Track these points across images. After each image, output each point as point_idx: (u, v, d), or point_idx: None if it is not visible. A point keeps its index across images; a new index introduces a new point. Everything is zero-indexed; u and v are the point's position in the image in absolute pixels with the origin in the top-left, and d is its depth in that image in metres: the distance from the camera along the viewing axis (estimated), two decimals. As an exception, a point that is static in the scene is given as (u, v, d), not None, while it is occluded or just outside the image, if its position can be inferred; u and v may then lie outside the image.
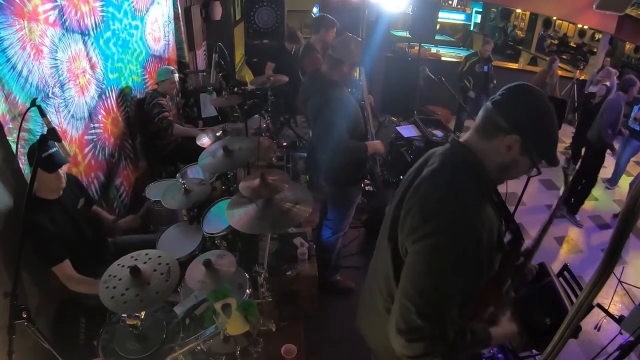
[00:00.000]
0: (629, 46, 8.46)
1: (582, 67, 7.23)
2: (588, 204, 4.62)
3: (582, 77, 5.72)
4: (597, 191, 4.87)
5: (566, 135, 6.35)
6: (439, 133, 3.84)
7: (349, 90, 2.68)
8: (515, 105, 1.05)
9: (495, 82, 5.83)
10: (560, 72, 6.28)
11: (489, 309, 1.19)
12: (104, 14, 2.79)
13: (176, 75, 3.42)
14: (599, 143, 4.27)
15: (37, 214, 1.80)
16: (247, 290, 1.94)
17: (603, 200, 4.94)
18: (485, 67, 5.72)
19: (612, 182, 5.18)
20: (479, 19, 11.33)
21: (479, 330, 1.10)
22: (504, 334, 1.19)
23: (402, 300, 1.02)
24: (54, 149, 1.74)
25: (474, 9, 11.18)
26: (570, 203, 4.46)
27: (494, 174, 1.10)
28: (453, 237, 0.99)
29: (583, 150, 4.65)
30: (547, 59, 6.42)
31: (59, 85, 2.23)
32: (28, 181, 1.73)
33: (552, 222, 1.34)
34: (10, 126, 1.84)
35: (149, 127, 3.32)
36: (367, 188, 3.73)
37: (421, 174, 1.15)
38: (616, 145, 4.47)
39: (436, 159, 1.16)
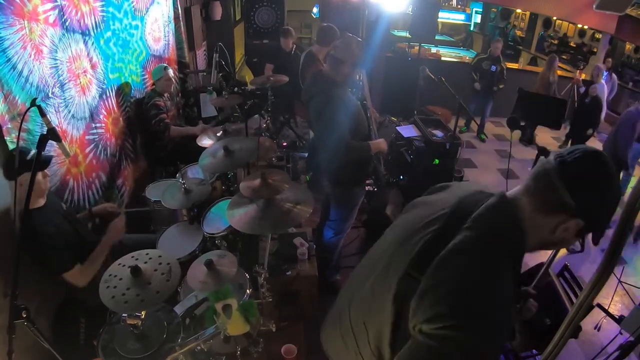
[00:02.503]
0: (629, 46, 8.46)
1: (582, 67, 7.23)
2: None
3: (583, 77, 5.72)
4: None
5: (564, 133, 6.36)
6: (439, 133, 3.83)
7: (350, 90, 2.68)
8: (592, 184, 0.87)
9: (501, 86, 5.79)
10: (560, 72, 6.28)
11: None
12: (104, 14, 2.79)
13: (170, 71, 3.39)
14: (615, 157, 4.17)
15: (36, 224, 1.76)
16: (248, 291, 1.95)
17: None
18: (494, 67, 5.71)
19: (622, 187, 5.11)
20: (479, 19, 11.31)
21: None
22: None
23: None
24: (34, 151, 1.72)
25: (474, 9, 11.17)
26: None
27: (532, 247, 0.95)
28: (481, 342, 0.84)
29: None
30: (547, 58, 6.42)
31: (59, 85, 2.23)
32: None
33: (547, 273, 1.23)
34: (9, 126, 1.83)
35: (148, 128, 3.32)
36: (367, 188, 3.73)
37: (454, 230, 0.95)
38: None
39: (478, 223, 0.94)
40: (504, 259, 0.91)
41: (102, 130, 2.76)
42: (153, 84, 3.41)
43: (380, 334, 1.02)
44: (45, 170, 1.82)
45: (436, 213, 1.03)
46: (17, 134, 1.65)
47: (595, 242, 0.92)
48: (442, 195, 1.13)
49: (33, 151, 1.72)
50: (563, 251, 3.92)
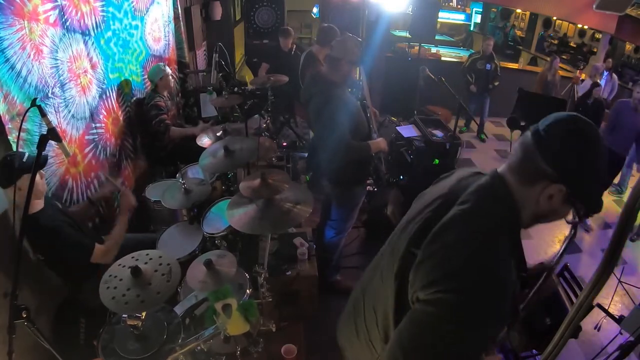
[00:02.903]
0: (629, 46, 8.45)
1: (582, 67, 7.22)
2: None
3: (583, 77, 5.71)
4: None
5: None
6: (439, 133, 3.83)
7: (350, 90, 2.68)
8: (565, 147, 0.88)
9: (496, 83, 5.79)
10: (560, 72, 6.27)
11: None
12: (104, 14, 2.79)
13: (168, 69, 3.39)
14: (612, 154, 4.15)
15: (47, 221, 1.79)
16: (248, 291, 1.95)
17: (603, 200, 4.93)
18: (488, 66, 5.70)
19: (621, 188, 5.03)
20: (479, 19, 11.32)
21: None
22: None
23: (395, 351, 0.92)
24: (27, 154, 1.74)
25: (474, 9, 11.17)
26: None
27: (526, 222, 0.97)
28: (475, 304, 0.85)
29: None
30: (548, 59, 6.41)
31: (59, 85, 2.23)
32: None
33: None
34: (10, 126, 1.84)
35: (148, 128, 3.32)
36: (368, 188, 3.73)
37: (449, 207, 0.98)
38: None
39: (471, 197, 0.98)
40: (497, 230, 0.92)
41: (102, 130, 2.76)
42: (155, 86, 3.37)
43: (387, 315, 1.06)
44: (42, 171, 1.82)
45: (435, 195, 1.08)
46: (17, 134, 1.66)
47: (594, 210, 0.93)
48: (445, 182, 1.17)
49: (27, 154, 1.73)
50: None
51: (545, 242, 3.94)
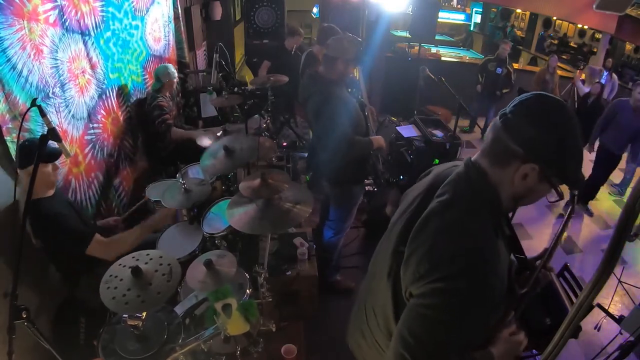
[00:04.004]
0: (629, 46, 8.46)
1: (582, 67, 7.22)
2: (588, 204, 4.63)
3: (582, 77, 5.72)
4: (598, 192, 4.88)
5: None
6: (439, 133, 3.83)
7: (349, 90, 2.68)
8: (531, 126, 0.87)
9: (505, 91, 5.66)
10: (560, 72, 6.28)
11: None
12: (104, 14, 2.79)
13: (176, 73, 3.41)
14: (609, 153, 4.20)
15: (48, 208, 1.82)
16: (248, 291, 1.94)
17: (603, 200, 4.94)
18: (499, 69, 5.60)
19: (622, 189, 5.02)
20: (479, 19, 11.33)
21: (482, 357, 1.00)
22: (508, 349, 1.06)
23: (399, 350, 0.91)
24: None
25: (474, 9, 11.18)
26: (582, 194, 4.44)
27: (507, 204, 0.96)
28: (466, 288, 0.85)
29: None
30: (547, 58, 6.41)
31: (59, 85, 2.23)
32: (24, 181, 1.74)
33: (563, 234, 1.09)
34: (10, 126, 1.84)
35: (149, 128, 3.32)
36: (367, 188, 3.73)
37: (429, 202, 1.00)
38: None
39: (448, 188, 0.99)
40: (476, 214, 0.93)
41: (100, 131, 2.75)
42: (160, 85, 3.36)
43: (387, 316, 1.07)
44: (56, 163, 1.86)
45: (416, 193, 1.11)
46: (17, 133, 1.66)
47: (574, 185, 0.92)
48: (424, 179, 1.20)
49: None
50: (564, 250, 3.94)
51: (545, 241, 3.94)
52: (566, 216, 0.96)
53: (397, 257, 1.00)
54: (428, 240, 0.92)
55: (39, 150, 1.44)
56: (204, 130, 3.55)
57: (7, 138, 1.83)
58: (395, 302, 1.03)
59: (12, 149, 1.84)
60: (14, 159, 1.84)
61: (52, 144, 1.74)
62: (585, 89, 5.18)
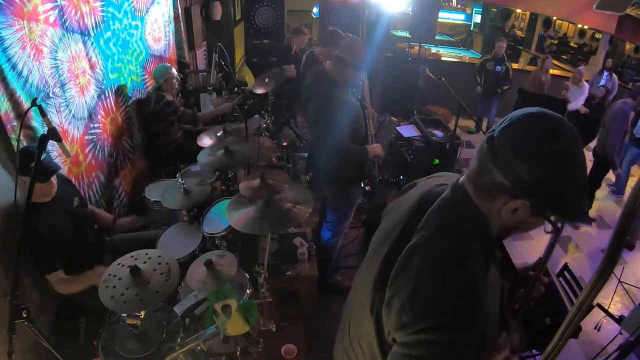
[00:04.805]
0: (629, 46, 8.45)
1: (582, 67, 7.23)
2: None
3: (584, 78, 5.73)
4: (598, 192, 4.88)
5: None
6: (439, 133, 3.84)
7: (351, 90, 2.68)
8: (521, 158, 0.74)
9: (506, 87, 5.69)
10: (560, 72, 6.28)
11: None
12: (104, 14, 2.79)
13: (174, 70, 3.39)
14: (604, 153, 4.17)
15: (33, 220, 1.76)
16: (247, 291, 1.94)
17: (603, 200, 4.94)
18: (498, 67, 5.63)
19: (618, 192, 5.00)
20: (479, 19, 11.33)
21: None
22: None
23: None
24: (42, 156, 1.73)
25: (474, 9, 11.18)
26: None
27: (496, 234, 0.86)
28: (455, 340, 0.76)
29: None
30: (542, 56, 6.40)
31: (59, 85, 2.23)
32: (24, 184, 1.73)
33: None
34: (14, 124, 1.84)
35: (155, 127, 3.31)
36: (367, 188, 3.73)
37: (412, 232, 0.88)
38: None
39: (432, 219, 0.87)
40: (466, 247, 0.82)
41: (100, 131, 2.75)
42: (159, 86, 3.34)
43: (372, 350, 0.97)
44: (52, 180, 1.83)
45: (398, 218, 0.97)
46: (18, 132, 1.66)
47: (574, 220, 0.79)
48: (409, 195, 1.06)
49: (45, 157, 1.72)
50: (564, 250, 3.94)
51: (545, 242, 3.94)
52: (551, 242, 0.86)
53: (379, 293, 0.89)
54: (411, 282, 0.81)
55: (39, 151, 1.44)
56: (229, 104, 3.64)
57: (12, 136, 1.83)
58: (380, 340, 0.93)
59: (15, 148, 1.84)
60: (17, 158, 1.84)
61: (49, 162, 1.75)
62: (576, 103, 5.16)
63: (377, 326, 0.91)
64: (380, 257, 0.93)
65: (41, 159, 1.67)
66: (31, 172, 1.40)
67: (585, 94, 5.50)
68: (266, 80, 3.62)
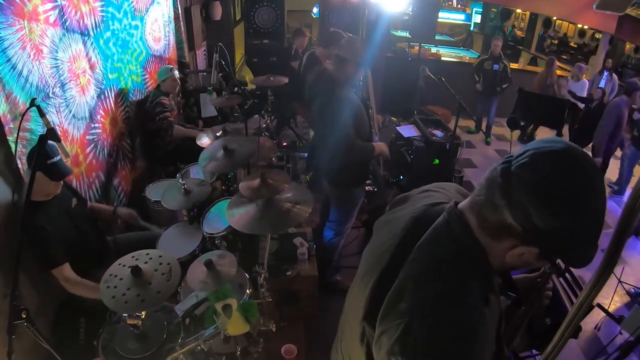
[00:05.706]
0: (629, 46, 8.46)
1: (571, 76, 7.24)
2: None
3: (583, 77, 5.73)
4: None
5: (565, 135, 6.35)
6: (439, 133, 3.84)
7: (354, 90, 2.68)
8: (539, 207, 0.65)
9: (505, 86, 5.68)
10: (560, 72, 6.28)
11: None
12: (103, 14, 2.79)
13: (176, 72, 3.41)
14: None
15: (34, 216, 1.78)
16: (247, 291, 1.94)
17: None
18: (496, 66, 5.63)
19: (621, 191, 4.96)
20: (479, 19, 11.32)
21: None
22: None
23: None
24: (58, 157, 1.74)
25: (474, 9, 11.18)
26: None
27: (496, 267, 0.79)
28: None
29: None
30: (546, 58, 6.42)
31: (59, 85, 2.23)
32: (26, 181, 1.75)
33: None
34: (11, 126, 1.84)
35: (149, 126, 3.32)
36: (367, 188, 3.73)
37: (403, 261, 0.81)
38: (618, 152, 4.44)
39: (425, 251, 0.80)
40: (461, 281, 0.76)
41: (100, 131, 2.75)
42: (158, 85, 3.38)
43: None
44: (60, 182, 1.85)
45: (388, 242, 0.90)
46: (17, 133, 1.66)
47: (577, 266, 0.74)
48: (401, 213, 0.97)
49: (57, 158, 1.74)
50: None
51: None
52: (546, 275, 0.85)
53: (369, 325, 0.84)
54: (401, 324, 0.74)
55: (39, 154, 1.44)
56: (202, 130, 3.55)
57: (10, 138, 1.83)
58: None
59: (13, 149, 1.84)
60: (16, 159, 1.84)
61: (63, 164, 1.77)
62: (580, 93, 5.23)
63: (368, 356, 0.87)
64: (369, 284, 0.88)
65: (55, 160, 1.72)
66: (47, 170, 1.40)
67: (585, 90, 5.52)
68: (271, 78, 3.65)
